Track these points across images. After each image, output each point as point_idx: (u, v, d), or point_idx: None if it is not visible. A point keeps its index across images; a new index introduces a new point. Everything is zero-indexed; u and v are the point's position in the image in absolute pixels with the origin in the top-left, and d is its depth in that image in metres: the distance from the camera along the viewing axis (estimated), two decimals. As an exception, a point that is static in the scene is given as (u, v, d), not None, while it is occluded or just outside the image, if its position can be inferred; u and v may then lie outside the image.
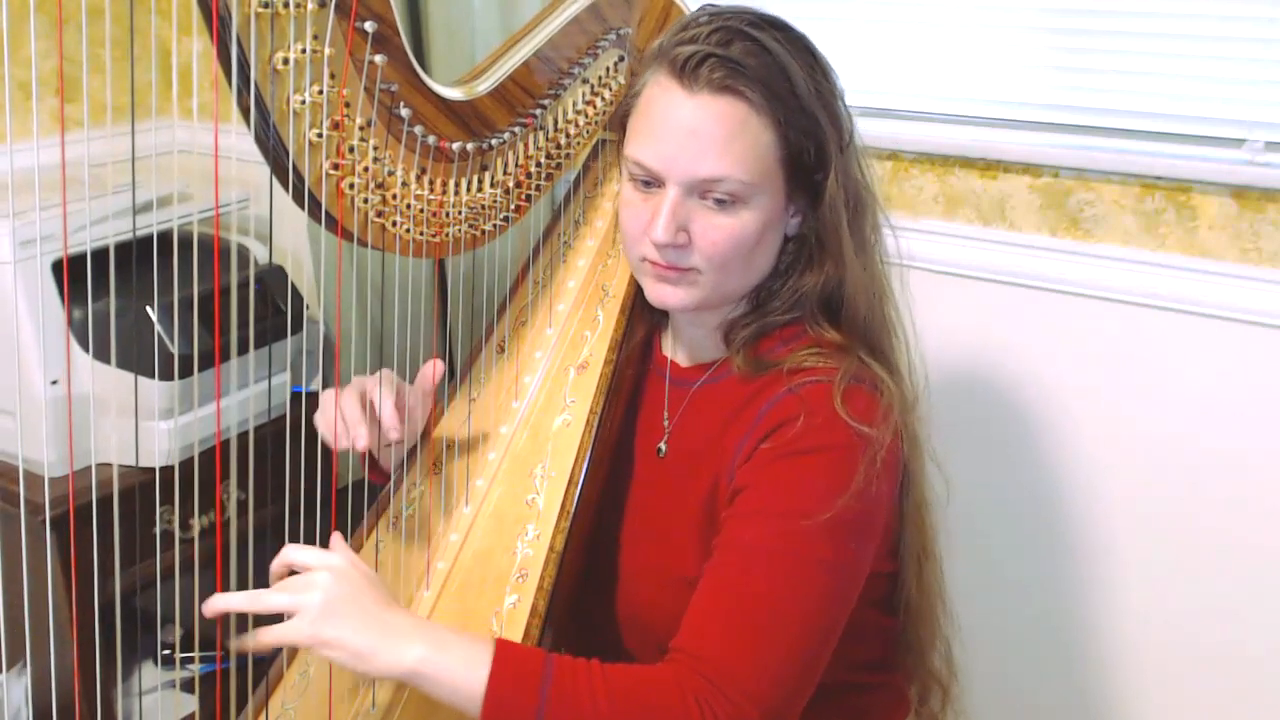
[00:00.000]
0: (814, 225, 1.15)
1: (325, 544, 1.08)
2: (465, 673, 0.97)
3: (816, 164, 1.12)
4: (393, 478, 1.30)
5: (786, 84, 1.09)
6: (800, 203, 1.15)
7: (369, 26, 1.04)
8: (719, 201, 1.10)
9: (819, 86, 1.12)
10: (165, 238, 1.22)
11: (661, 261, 1.12)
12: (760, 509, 1.07)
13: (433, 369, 1.26)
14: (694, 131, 1.08)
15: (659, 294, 1.16)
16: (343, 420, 1.20)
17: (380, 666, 0.98)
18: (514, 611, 1.12)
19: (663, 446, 1.24)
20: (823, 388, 1.09)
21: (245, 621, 1.02)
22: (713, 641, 1.02)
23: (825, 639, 1.05)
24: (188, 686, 1.90)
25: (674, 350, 1.28)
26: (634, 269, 1.19)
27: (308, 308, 1.94)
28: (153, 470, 1.70)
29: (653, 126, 1.11)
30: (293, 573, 1.03)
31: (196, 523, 1.77)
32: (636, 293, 1.32)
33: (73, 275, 1.58)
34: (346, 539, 1.23)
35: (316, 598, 0.98)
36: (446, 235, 1.21)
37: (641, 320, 1.31)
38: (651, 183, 1.12)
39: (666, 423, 1.24)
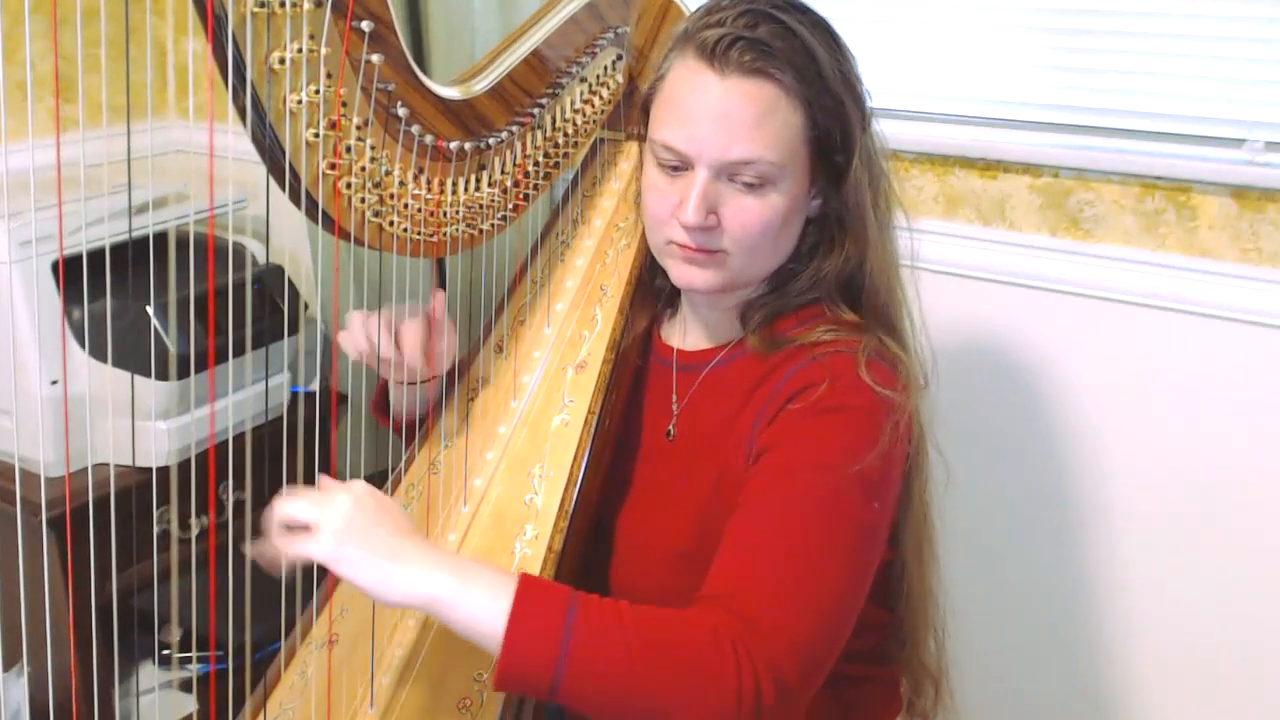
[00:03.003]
0: (835, 206, 1.16)
1: None
2: (487, 603, 0.93)
3: (841, 144, 1.13)
4: (390, 468, 1.30)
5: (813, 66, 1.09)
6: (822, 184, 1.15)
7: (366, 26, 1.04)
8: (748, 184, 1.10)
9: (842, 68, 1.13)
10: (163, 238, 1.22)
11: (691, 244, 1.13)
12: (792, 464, 1.07)
13: (441, 299, 1.26)
14: (725, 114, 1.08)
15: (686, 276, 1.16)
16: (368, 336, 1.22)
17: (399, 591, 0.94)
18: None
19: (671, 429, 1.24)
20: (846, 357, 1.11)
21: (243, 621, 1.02)
22: (751, 588, 0.99)
23: (856, 597, 1.05)
24: (186, 686, 1.90)
25: (683, 336, 1.28)
26: (657, 252, 1.19)
27: (306, 307, 1.94)
28: (150, 470, 1.70)
29: (682, 109, 1.11)
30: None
31: (195, 523, 1.76)
32: (634, 290, 1.32)
33: (71, 275, 1.58)
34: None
35: (337, 516, 0.96)
36: (444, 234, 1.20)
37: (642, 312, 1.31)
38: (680, 166, 1.12)
39: (675, 407, 1.24)
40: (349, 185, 1.09)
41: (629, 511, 1.24)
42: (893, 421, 1.07)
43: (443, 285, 1.85)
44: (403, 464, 1.30)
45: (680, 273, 1.16)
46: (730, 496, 1.12)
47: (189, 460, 1.73)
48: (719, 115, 1.09)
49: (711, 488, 1.15)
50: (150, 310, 1.66)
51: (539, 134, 1.29)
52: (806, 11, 1.13)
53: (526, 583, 0.95)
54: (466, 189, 1.21)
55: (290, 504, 0.98)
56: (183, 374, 1.69)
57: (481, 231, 1.25)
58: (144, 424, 1.69)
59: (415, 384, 1.30)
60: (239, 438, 1.70)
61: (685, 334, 1.28)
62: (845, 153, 1.14)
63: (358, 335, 1.24)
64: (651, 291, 1.31)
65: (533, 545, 1.16)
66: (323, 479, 1.03)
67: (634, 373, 1.30)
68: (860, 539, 1.05)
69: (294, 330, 1.86)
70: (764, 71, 1.08)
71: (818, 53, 1.10)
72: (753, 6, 1.11)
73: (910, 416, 1.12)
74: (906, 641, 1.29)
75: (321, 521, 0.96)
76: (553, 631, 0.92)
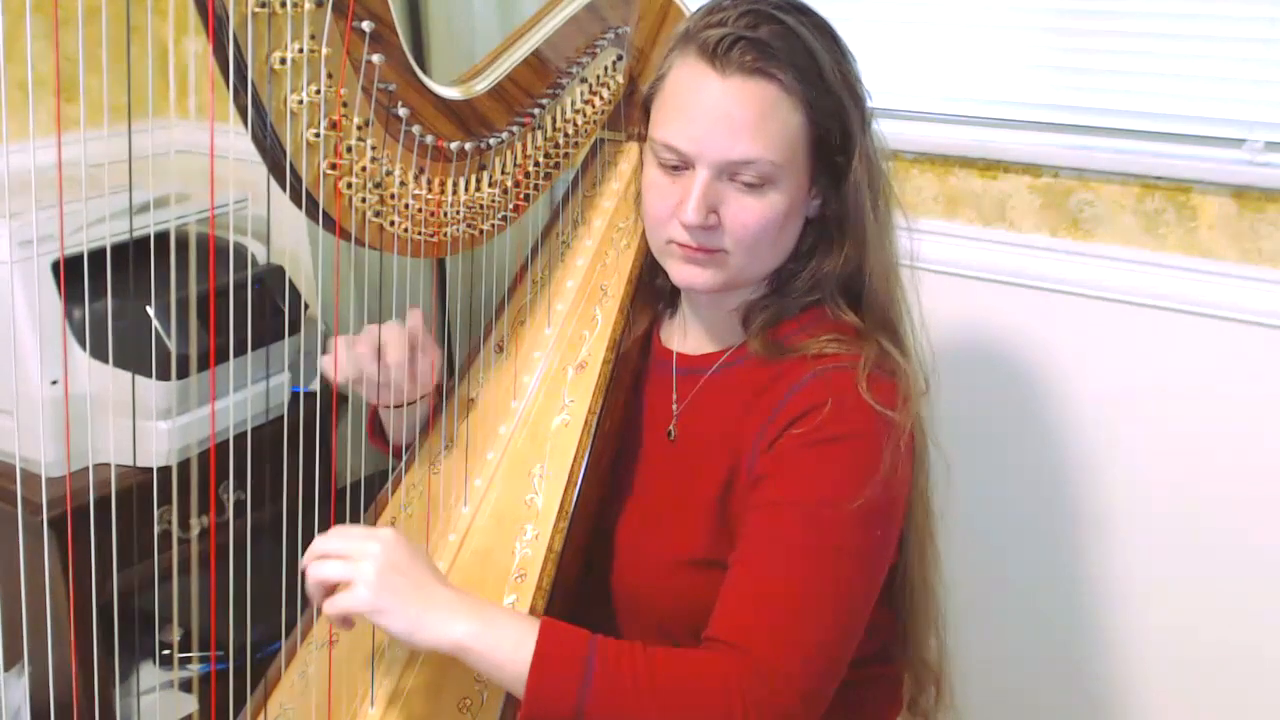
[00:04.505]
0: (835, 207, 1.16)
1: None
2: (510, 651, 0.99)
3: (841, 145, 1.13)
4: (390, 469, 1.30)
5: (814, 66, 1.10)
6: (822, 184, 1.16)
7: (366, 26, 1.04)
8: (749, 184, 1.11)
9: (843, 69, 1.13)
10: (164, 238, 1.22)
11: (691, 243, 1.13)
12: (789, 499, 1.08)
13: (419, 317, 1.25)
14: (726, 114, 1.09)
15: (685, 275, 1.16)
16: (353, 355, 1.21)
17: (428, 638, 0.99)
18: (512, 612, 1.12)
19: (672, 430, 1.24)
20: (847, 374, 1.11)
21: (243, 621, 1.02)
22: (750, 631, 1.03)
23: (857, 624, 1.08)
24: (186, 686, 1.90)
25: (683, 339, 1.28)
26: (658, 251, 1.20)
27: (307, 307, 1.94)
28: (151, 470, 1.70)
29: (683, 109, 1.11)
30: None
31: (195, 523, 1.76)
32: (635, 291, 1.32)
33: (72, 275, 1.58)
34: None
35: (370, 567, 1.00)
36: (445, 235, 1.20)
37: (643, 314, 1.31)
38: (680, 165, 1.12)
39: (675, 409, 1.24)
40: (349, 185, 1.09)
41: (630, 515, 1.24)
42: (894, 443, 1.08)
43: (442, 285, 1.85)
44: (403, 464, 1.30)
45: (680, 272, 1.17)
46: (737, 507, 1.12)
47: (189, 460, 1.73)
48: (720, 115, 1.09)
49: (715, 494, 1.16)
50: (151, 310, 1.66)
51: (539, 134, 1.29)
52: (808, 13, 1.13)
53: (548, 630, 1.00)
54: (467, 189, 1.21)
55: (322, 566, 1.02)
56: (183, 374, 1.69)
57: (482, 232, 1.25)
58: (144, 424, 1.69)
59: (405, 406, 1.30)
60: (239, 438, 1.70)
61: (686, 336, 1.28)
62: (845, 153, 1.14)
63: (343, 358, 1.24)
64: (652, 292, 1.31)
65: (533, 546, 1.16)
66: (350, 529, 1.06)
67: (634, 374, 1.30)
68: (861, 569, 1.07)
69: (294, 330, 1.86)
70: (765, 72, 1.08)
71: (819, 54, 1.10)
72: (754, 7, 1.11)
73: (912, 431, 1.12)
74: (908, 640, 1.29)
75: (356, 574, 1.00)
76: (572, 679, 0.98)
